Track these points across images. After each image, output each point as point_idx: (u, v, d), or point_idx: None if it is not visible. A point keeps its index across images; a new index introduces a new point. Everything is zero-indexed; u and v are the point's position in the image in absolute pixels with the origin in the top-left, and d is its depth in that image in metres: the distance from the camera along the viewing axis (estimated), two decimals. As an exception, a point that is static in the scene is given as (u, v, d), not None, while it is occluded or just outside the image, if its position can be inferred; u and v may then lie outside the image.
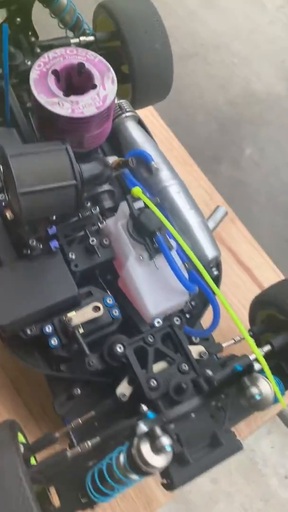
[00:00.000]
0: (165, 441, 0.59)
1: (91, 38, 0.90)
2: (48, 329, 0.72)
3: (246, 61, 2.32)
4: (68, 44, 0.90)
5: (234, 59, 2.31)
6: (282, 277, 1.09)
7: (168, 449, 0.59)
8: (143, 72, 0.94)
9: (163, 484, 0.72)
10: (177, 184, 0.83)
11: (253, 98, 2.27)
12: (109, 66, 0.73)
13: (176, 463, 0.69)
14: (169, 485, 0.70)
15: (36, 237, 0.72)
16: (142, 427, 0.61)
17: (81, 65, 0.72)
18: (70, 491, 0.70)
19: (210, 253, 0.80)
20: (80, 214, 0.76)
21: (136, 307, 0.75)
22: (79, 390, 0.75)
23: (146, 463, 0.60)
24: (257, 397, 0.64)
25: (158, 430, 0.60)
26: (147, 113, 1.23)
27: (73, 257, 0.75)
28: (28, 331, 0.72)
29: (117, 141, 0.87)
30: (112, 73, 0.73)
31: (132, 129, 0.86)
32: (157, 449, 0.60)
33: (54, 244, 0.73)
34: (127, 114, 0.86)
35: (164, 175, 0.83)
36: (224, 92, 2.25)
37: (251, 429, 0.96)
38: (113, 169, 0.76)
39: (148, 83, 0.97)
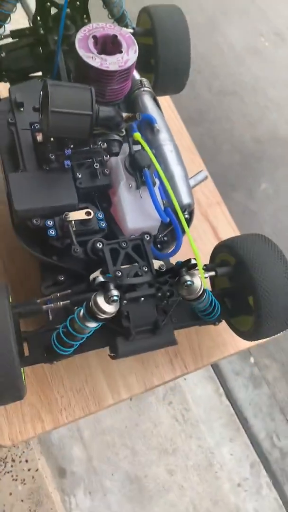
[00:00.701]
0: (115, 292, 0.80)
1: (131, 30, 1.16)
2: (50, 223, 0.94)
3: (278, 107, 2.58)
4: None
5: (268, 103, 2.58)
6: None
7: (116, 299, 0.80)
8: (165, 68, 1.20)
9: (110, 356, 0.91)
10: (172, 145, 1.05)
11: (278, 141, 2.51)
12: (135, 41, 0.99)
13: (122, 338, 0.88)
14: (115, 356, 0.89)
15: (55, 155, 0.95)
16: (99, 278, 0.81)
17: (114, 36, 0.98)
18: (37, 348, 0.91)
19: (185, 199, 1.01)
20: (91, 145, 0.99)
21: (118, 222, 0.97)
22: (63, 277, 0.96)
23: (100, 309, 0.80)
24: (189, 283, 0.84)
25: (111, 286, 0.81)
26: (179, 129, 1.48)
27: (79, 176, 0.97)
28: (35, 221, 0.93)
29: (132, 110, 1.11)
30: (136, 46, 0.98)
31: (147, 100, 1.09)
32: (109, 299, 0.80)
33: (67, 162, 0.96)
34: (145, 89, 1.11)
35: (163, 136, 1.05)
36: (252, 129, 2.51)
37: (196, 366, 1.14)
38: (123, 119, 1.00)
39: (168, 78, 1.22)
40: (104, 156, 0.99)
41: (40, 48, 1.12)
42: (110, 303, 0.81)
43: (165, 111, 1.18)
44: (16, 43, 1.14)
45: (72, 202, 0.95)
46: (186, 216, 1.02)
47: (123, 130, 1.01)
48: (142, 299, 0.87)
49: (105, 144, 1.00)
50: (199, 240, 1.30)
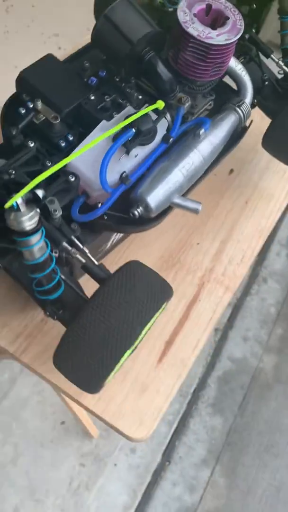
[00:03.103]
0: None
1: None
2: None
3: None
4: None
5: None
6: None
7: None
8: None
9: None
10: (199, 159, 0.91)
11: None
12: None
13: None
14: None
15: (90, 71, 0.91)
16: None
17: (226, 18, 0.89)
18: None
19: (150, 198, 0.86)
20: (123, 84, 0.91)
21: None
22: None
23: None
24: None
25: None
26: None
27: (92, 98, 0.89)
28: None
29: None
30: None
31: (229, 119, 0.97)
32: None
33: (92, 79, 0.91)
34: (240, 110, 0.98)
35: (200, 146, 0.91)
36: None
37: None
38: (175, 92, 0.90)
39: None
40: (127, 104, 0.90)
41: None
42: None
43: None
44: None
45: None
46: (136, 212, 0.86)
47: (171, 102, 0.90)
48: None
49: (140, 97, 0.91)
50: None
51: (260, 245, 1.17)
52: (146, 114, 0.84)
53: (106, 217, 0.88)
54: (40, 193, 0.71)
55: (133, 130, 0.83)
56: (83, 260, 0.78)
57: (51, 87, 0.88)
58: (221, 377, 2.03)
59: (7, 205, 0.68)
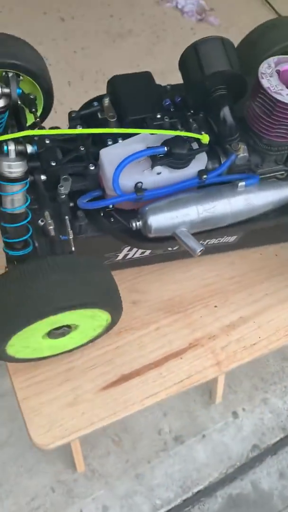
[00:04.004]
0: None
1: None
2: None
3: None
4: None
5: None
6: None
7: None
8: None
9: None
10: (225, 207, 0.87)
11: None
12: None
13: None
14: None
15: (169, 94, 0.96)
16: None
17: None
18: None
19: (153, 221, 0.85)
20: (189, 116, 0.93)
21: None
22: None
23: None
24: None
25: None
26: None
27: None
28: None
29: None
30: None
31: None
32: None
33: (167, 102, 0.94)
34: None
35: (235, 198, 0.88)
36: None
37: None
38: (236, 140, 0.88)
39: None
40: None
41: None
42: None
43: None
44: None
45: None
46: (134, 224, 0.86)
47: (228, 146, 0.89)
48: None
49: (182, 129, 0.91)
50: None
51: (282, 343, 1.04)
52: (184, 140, 0.84)
53: (112, 220, 0.89)
54: (29, 148, 0.76)
55: (165, 148, 0.84)
56: (52, 233, 0.80)
57: (131, 95, 0.94)
58: (234, 497, 1.79)
59: None
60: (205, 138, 0.86)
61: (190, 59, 0.88)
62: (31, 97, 0.97)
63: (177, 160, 0.85)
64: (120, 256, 0.99)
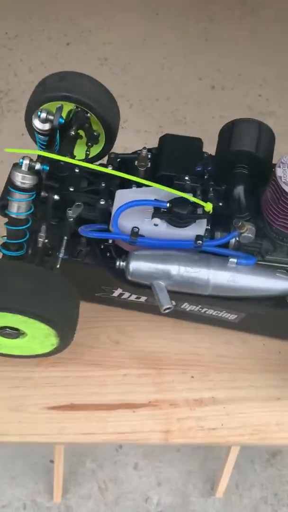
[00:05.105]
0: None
1: None
2: None
3: None
4: None
5: None
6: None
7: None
8: None
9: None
10: (207, 276, 0.87)
11: None
12: None
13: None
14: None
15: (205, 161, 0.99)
16: None
17: None
18: None
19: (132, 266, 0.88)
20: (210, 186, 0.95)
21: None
22: None
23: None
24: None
25: None
26: None
27: None
28: None
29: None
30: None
31: None
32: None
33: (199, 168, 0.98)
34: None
35: (219, 272, 0.87)
36: None
37: None
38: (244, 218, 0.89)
39: None
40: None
41: None
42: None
43: None
44: None
45: None
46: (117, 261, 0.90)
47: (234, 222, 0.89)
48: None
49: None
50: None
51: (242, 441, 0.98)
52: (187, 202, 0.87)
53: (108, 254, 0.94)
54: (38, 165, 0.85)
55: (167, 204, 0.87)
56: (39, 245, 0.88)
57: (171, 154, 1.00)
58: None
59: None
60: (208, 207, 0.88)
61: (225, 133, 0.92)
62: (95, 133, 1.09)
63: (176, 218, 0.88)
64: (116, 293, 1.03)
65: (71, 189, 0.93)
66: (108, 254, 0.95)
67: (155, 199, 0.89)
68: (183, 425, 0.97)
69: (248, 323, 1.02)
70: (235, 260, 0.87)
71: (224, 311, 0.99)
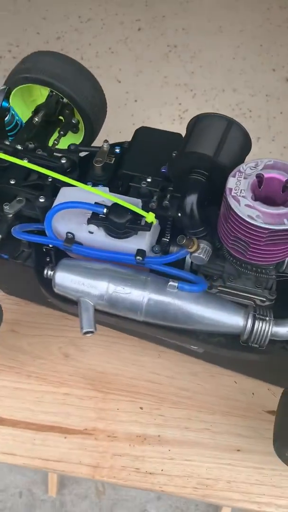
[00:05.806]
0: None
1: None
2: None
3: None
4: None
5: None
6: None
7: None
8: None
9: None
10: (141, 298, 0.73)
11: None
12: None
13: None
14: None
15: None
16: None
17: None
18: None
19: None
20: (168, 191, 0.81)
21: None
22: None
23: None
24: None
25: None
26: None
27: None
28: None
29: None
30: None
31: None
32: None
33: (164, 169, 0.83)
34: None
35: (156, 294, 0.73)
36: None
37: None
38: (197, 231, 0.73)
39: None
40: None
41: None
42: None
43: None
44: None
45: None
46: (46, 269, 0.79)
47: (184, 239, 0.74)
48: None
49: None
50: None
51: (181, 493, 0.83)
52: (126, 212, 0.74)
53: (48, 259, 0.84)
54: None
55: (104, 210, 0.75)
56: None
57: (141, 151, 0.87)
58: None
59: None
60: (149, 217, 0.74)
61: (187, 129, 0.76)
62: (73, 121, 0.98)
63: (113, 227, 0.75)
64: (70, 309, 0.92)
65: (12, 182, 0.83)
66: (48, 259, 0.84)
67: (94, 203, 0.76)
68: (116, 462, 0.85)
69: (214, 355, 0.87)
70: (175, 284, 0.72)
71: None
